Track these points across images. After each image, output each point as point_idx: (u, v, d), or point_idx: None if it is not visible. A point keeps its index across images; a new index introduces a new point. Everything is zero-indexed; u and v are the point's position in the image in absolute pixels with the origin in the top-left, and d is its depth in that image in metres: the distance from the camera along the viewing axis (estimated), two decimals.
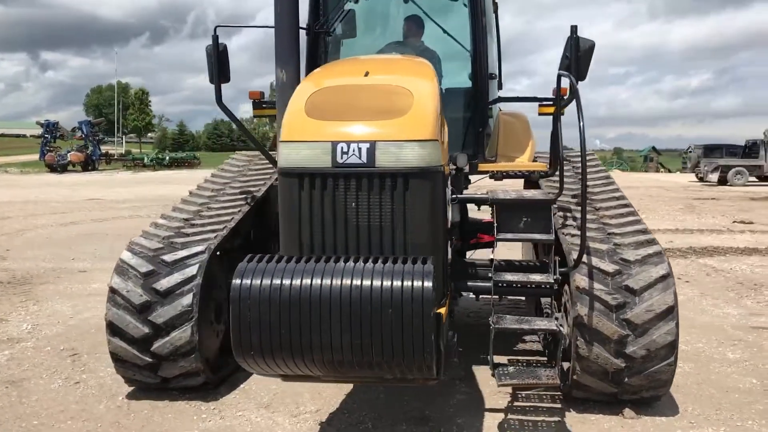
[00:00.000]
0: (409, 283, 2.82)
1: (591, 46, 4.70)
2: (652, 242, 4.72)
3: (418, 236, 3.41)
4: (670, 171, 55.16)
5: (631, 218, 5.13)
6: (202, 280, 4.67)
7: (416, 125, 3.45)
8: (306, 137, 3.44)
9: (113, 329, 4.64)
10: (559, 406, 4.69)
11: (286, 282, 2.84)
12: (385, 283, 2.82)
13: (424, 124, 3.47)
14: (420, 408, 4.64)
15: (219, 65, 5.00)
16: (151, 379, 4.77)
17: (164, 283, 4.65)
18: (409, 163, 3.37)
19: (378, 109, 3.54)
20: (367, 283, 2.82)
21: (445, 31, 5.68)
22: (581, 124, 3.98)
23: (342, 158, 3.36)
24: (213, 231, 5.11)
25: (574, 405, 4.65)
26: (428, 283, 2.83)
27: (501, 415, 4.54)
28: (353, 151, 3.35)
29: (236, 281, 2.87)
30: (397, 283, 2.82)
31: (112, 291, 4.68)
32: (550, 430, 4.33)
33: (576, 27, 4.73)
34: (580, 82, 4.40)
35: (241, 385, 5.13)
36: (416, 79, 3.87)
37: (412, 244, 3.39)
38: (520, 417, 4.51)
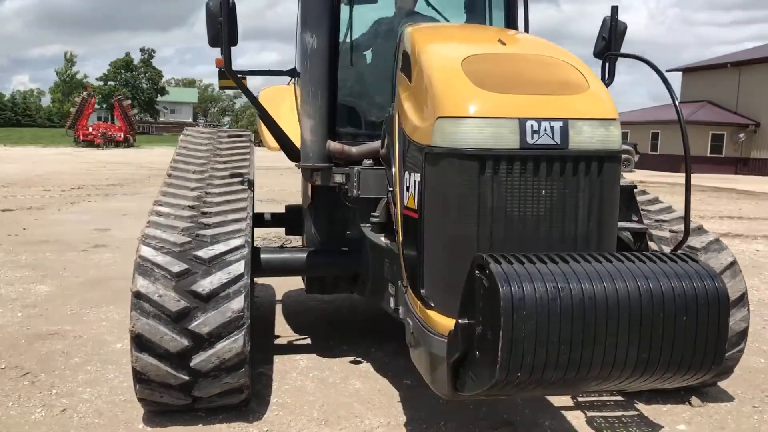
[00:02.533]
0: (702, 285, 2.43)
1: (624, 29, 4.56)
2: (702, 229, 4.72)
3: (609, 227, 3.03)
4: None
5: (663, 204, 5.09)
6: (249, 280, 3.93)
7: (603, 102, 3.05)
8: (488, 112, 2.89)
9: (141, 343, 3.74)
10: (621, 398, 4.53)
11: (564, 287, 2.33)
12: (676, 285, 2.41)
13: (609, 101, 3.09)
14: (495, 412, 4.25)
15: (229, 26, 4.25)
16: (180, 401, 3.92)
17: (206, 285, 3.83)
18: (604, 145, 2.97)
19: (555, 82, 3.08)
20: (657, 286, 2.39)
21: (430, 4, 5.31)
22: (677, 104, 3.77)
23: (533, 138, 2.86)
24: (237, 221, 4.34)
25: (636, 397, 4.52)
26: (722, 285, 2.47)
27: (580, 414, 4.29)
28: (545, 129, 2.87)
29: (506, 288, 2.29)
30: (689, 285, 2.42)
31: (138, 296, 3.76)
32: (638, 424, 4.17)
33: (617, 8, 4.57)
34: None
35: (272, 399, 4.42)
36: (565, 52, 3.46)
37: (604, 236, 3.00)
38: (601, 414, 4.29)
